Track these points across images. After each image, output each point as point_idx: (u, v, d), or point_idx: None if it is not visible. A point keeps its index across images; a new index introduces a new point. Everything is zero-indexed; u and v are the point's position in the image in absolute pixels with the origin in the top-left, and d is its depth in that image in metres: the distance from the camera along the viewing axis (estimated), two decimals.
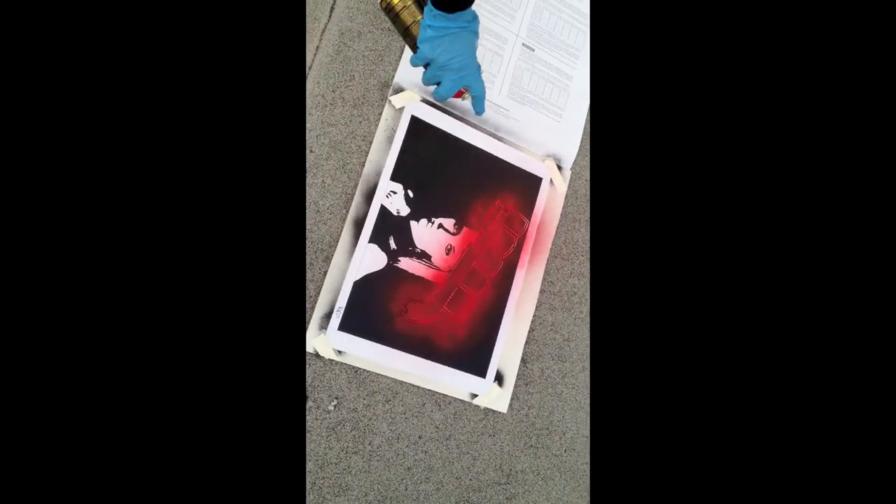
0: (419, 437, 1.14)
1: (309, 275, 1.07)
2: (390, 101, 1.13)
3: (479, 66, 0.92)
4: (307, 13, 1.09)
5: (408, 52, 1.13)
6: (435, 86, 0.95)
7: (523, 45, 1.24)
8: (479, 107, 0.98)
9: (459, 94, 1.03)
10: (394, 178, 1.12)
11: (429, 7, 0.84)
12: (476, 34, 0.87)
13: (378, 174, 1.12)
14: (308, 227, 1.07)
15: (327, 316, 1.07)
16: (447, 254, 1.15)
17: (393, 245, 1.12)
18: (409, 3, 0.90)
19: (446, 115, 1.16)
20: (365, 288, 1.10)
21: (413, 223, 1.13)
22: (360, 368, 1.10)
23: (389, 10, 0.93)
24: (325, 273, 1.07)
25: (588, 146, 1.32)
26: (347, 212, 1.10)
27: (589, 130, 1.31)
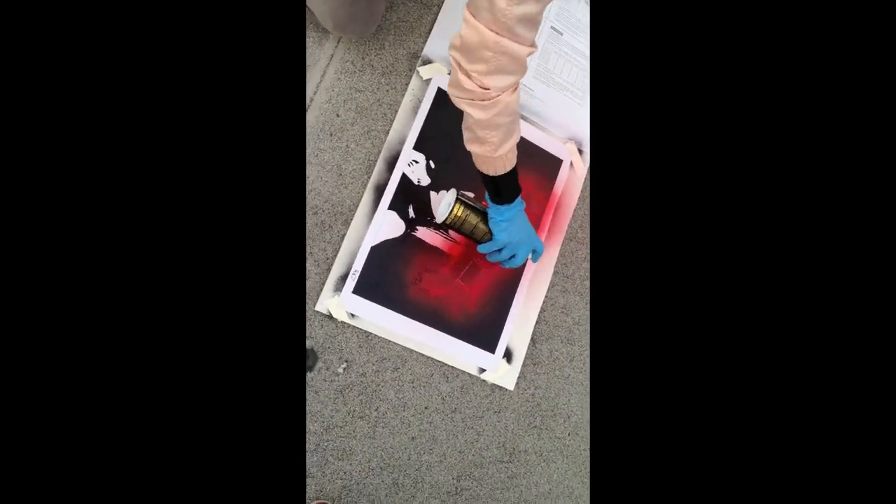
0: (425, 408, 1.15)
1: (327, 237, 1.07)
2: (418, 71, 1.14)
3: (535, 231, 1.09)
4: None
5: (439, 26, 1.14)
6: (510, 258, 1.07)
7: (552, 27, 1.25)
8: (536, 259, 1.12)
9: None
10: (417, 147, 1.13)
11: (492, 206, 1.01)
12: (524, 209, 1.04)
13: (402, 142, 1.12)
14: (329, 189, 1.08)
15: (343, 278, 1.08)
16: None
17: (412, 213, 1.13)
18: (467, 212, 1.06)
19: None
20: (381, 253, 1.10)
21: (433, 193, 1.14)
22: (371, 333, 1.10)
23: (454, 222, 1.07)
24: (344, 236, 1.08)
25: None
26: (369, 177, 1.10)
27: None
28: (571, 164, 1.27)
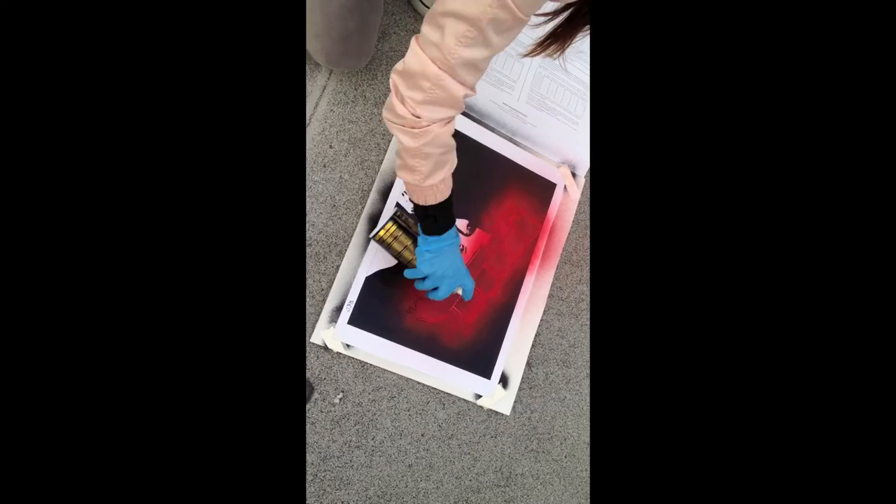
0: (422, 435, 1.15)
1: (322, 268, 1.08)
2: None
3: (467, 269, 1.06)
4: None
5: None
6: (433, 290, 1.05)
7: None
8: (467, 297, 1.09)
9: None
10: None
11: (421, 235, 1.00)
12: (458, 245, 1.03)
13: (395, 172, 1.13)
14: (323, 221, 1.08)
15: (338, 309, 1.08)
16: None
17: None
18: (398, 233, 1.06)
19: (464, 118, 1.17)
20: (376, 283, 1.11)
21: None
22: (366, 363, 1.11)
23: (381, 242, 1.07)
24: (338, 267, 1.09)
25: None
26: (363, 208, 1.11)
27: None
28: (565, 187, 1.27)
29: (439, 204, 0.95)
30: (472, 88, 0.80)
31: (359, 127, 1.11)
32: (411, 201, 0.96)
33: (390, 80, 0.81)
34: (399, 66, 0.79)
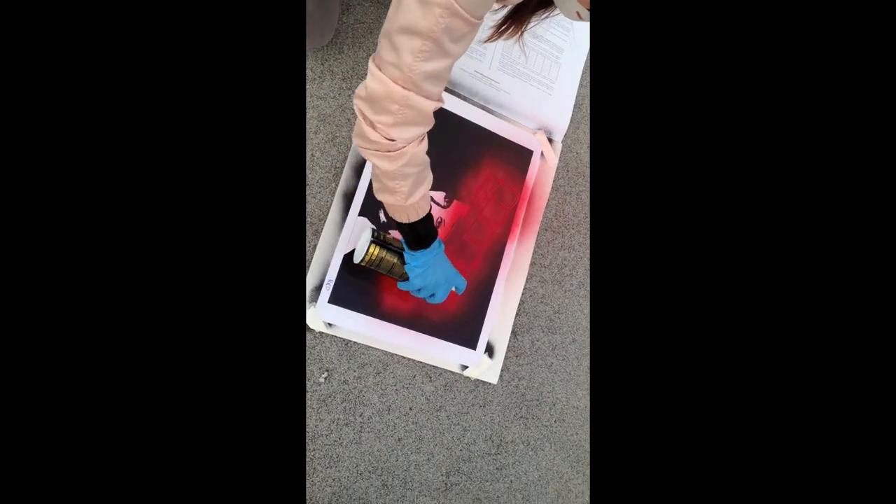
0: (410, 409, 1.16)
1: None
2: None
3: (456, 270, 1.08)
4: None
5: None
6: (430, 296, 1.06)
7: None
8: (460, 292, 1.11)
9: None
10: None
11: (407, 252, 1.01)
12: (443, 252, 1.04)
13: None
14: None
15: (317, 289, 1.08)
16: (437, 227, 1.16)
17: (383, 217, 1.12)
18: (382, 253, 1.05)
19: None
20: (355, 261, 1.10)
21: (357, 224, 1.13)
22: (350, 341, 1.11)
23: (371, 264, 1.06)
24: (315, 246, 1.08)
25: (580, 119, 1.31)
26: (337, 185, 1.10)
27: (582, 103, 1.31)
28: (542, 154, 1.26)
29: (422, 219, 0.94)
30: (440, 99, 0.78)
31: (327, 103, 1.09)
32: (391, 221, 0.97)
33: (355, 106, 0.79)
34: (361, 91, 0.78)
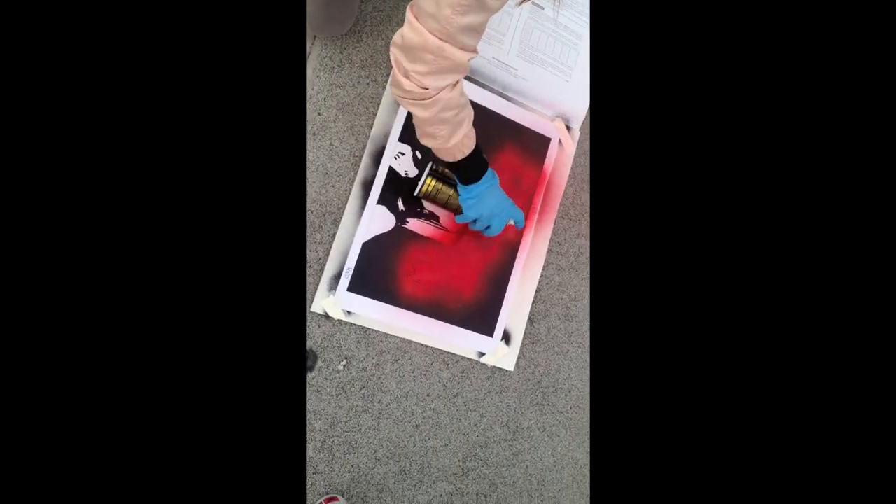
0: (427, 395, 1.17)
1: (318, 237, 1.08)
2: None
3: (512, 201, 1.09)
4: None
5: None
6: (486, 228, 1.08)
7: (533, 3, 1.22)
8: (519, 226, 1.14)
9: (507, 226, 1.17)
10: (402, 139, 1.12)
11: (461, 185, 1.03)
12: (497, 183, 1.05)
13: (386, 136, 1.11)
14: (316, 189, 1.07)
15: (336, 277, 1.08)
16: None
17: (401, 206, 1.13)
18: (439, 185, 1.09)
19: None
20: (373, 249, 1.10)
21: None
22: (368, 328, 1.12)
23: (426, 197, 1.10)
24: (334, 235, 1.08)
25: None
26: (356, 174, 1.10)
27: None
28: (560, 141, 1.25)
29: (469, 156, 0.96)
30: (475, 50, 0.79)
31: (346, 92, 1.09)
32: (440, 161, 0.99)
33: (391, 55, 0.80)
34: (398, 39, 0.78)
